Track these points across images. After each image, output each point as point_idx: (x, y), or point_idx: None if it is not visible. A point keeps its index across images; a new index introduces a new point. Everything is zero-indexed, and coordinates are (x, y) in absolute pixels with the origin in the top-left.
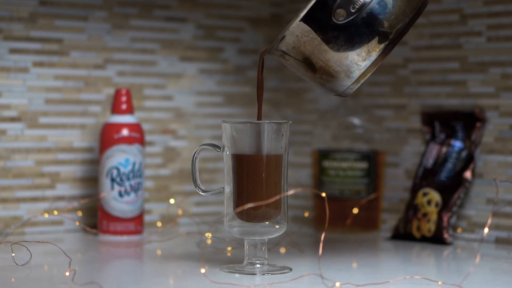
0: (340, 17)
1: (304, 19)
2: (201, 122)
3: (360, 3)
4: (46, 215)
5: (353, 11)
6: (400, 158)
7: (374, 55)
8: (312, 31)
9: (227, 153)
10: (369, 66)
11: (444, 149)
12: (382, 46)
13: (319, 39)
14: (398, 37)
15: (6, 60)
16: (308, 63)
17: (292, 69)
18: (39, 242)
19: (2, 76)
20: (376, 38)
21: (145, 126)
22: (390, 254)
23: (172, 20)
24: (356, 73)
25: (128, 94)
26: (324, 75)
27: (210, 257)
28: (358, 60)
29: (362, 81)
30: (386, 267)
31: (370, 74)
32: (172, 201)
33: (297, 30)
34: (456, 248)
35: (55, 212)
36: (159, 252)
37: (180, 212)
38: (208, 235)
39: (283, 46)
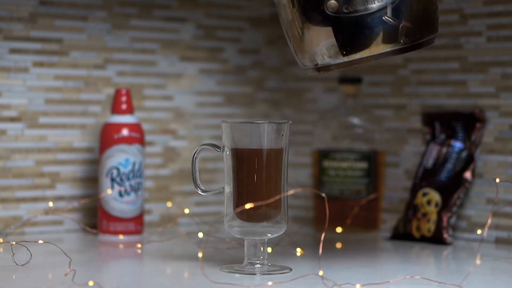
0: (330, 9)
1: None
2: (201, 122)
3: (353, 8)
4: (47, 213)
5: (345, 11)
6: (400, 158)
7: (341, 59)
8: (303, 3)
9: (227, 153)
10: (332, 65)
11: (444, 150)
12: (352, 56)
13: (306, 14)
14: (373, 57)
15: (6, 60)
16: (289, 26)
17: (280, 21)
18: (39, 242)
19: (2, 76)
20: (350, 47)
21: (145, 126)
22: (390, 254)
23: (172, 20)
24: (318, 62)
25: (128, 94)
26: (295, 45)
27: (210, 257)
28: (325, 54)
29: (322, 72)
30: (386, 267)
31: (330, 72)
32: (169, 204)
33: None
34: (456, 248)
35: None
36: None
37: (183, 211)
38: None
39: None
